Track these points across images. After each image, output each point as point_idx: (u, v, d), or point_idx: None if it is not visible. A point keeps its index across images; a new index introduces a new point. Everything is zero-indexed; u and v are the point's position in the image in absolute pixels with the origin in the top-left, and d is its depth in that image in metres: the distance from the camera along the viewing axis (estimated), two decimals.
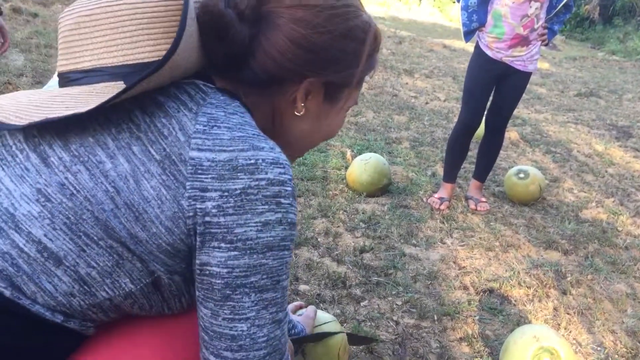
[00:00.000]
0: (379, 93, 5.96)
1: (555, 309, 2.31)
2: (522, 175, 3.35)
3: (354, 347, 1.89)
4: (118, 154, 0.76)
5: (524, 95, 6.90)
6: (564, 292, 2.44)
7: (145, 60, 0.79)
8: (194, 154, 0.76)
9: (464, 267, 2.55)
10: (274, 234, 0.78)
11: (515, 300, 2.34)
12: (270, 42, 0.85)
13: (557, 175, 4.05)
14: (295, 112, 0.92)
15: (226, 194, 0.76)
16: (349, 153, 3.65)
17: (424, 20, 18.17)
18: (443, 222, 2.98)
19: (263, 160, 0.78)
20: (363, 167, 3.16)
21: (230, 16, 0.83)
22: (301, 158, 3.60)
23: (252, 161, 0.78)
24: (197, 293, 0.81)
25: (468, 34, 3.13)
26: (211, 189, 0.76)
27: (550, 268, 2.61)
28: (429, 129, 4.80)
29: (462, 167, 3.71)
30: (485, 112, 3.21)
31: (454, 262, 2.57)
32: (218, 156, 0.77)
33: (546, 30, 3.01)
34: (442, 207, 3.15)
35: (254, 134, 0.81)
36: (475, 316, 2.19)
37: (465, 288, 2.38)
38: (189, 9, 0.79)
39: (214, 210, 0.76)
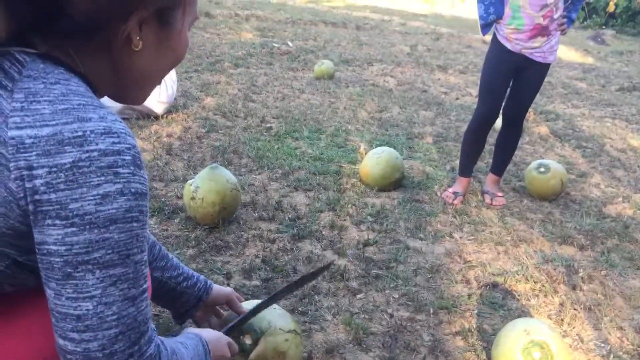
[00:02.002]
0: (408, 89, 5.90)
1: (561, 304, 2.23)
2: (542, 169, 3.26)
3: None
4: None
5: (561, 89, 6.75)
6: (574, 288, 2.36)
7: None
8: (13, 132, 0.72)
9: (469, 261, 2.49)
10: (117, 205, 0.75)
11: (519, 295, 2.27)
12: None
13: (585, 170, 3.92)
14: (133, 48, 0.85)
15: (55, 169, 0.72)
16: (362, 147, 3.62)
17: (467, 17, 17.87)
18: (455, 217, 2.92)
19: (91, 131, 0.74)
20: (375, 160, 3.13)
21: None
22: (317, 152, 3.59)
23: (79, 133, 0.73)
24: (41, 273, 0.77)
25: (485, 27, 3.07)
26: (37, 166, 0.72)
27: (561, 263, 2.53)
28: (454, 124, 4.72)
29: (483, 160, 3.64)
30: (503, 105, 3.14)
31: (460, 256, 2.52)
32: (40, 132, 0.72)
33: (565, 20, 2.92)
34: (456, 201, 3.09)
35: (80, 104, 0.76)
36: (474, 310, 2.14)
37: (468, 282, 2.33)
38: None
39: (42, 188, 0.72)
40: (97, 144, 0.73)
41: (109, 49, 0.84)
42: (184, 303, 1.45)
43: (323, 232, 2.59)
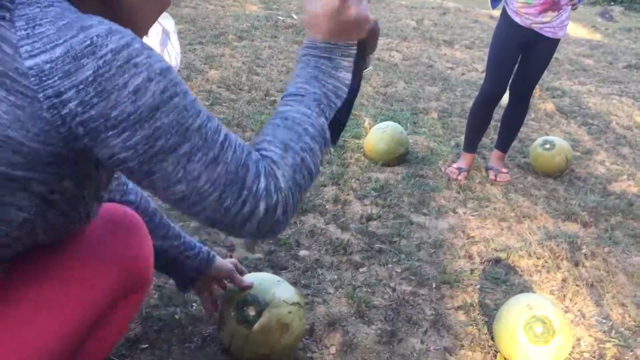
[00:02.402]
0: (414, 64, 5.85)
1: (563, 280, 2.24)
2: (547, 145, 3.24)
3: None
4: None
5: (568, 66, 6.68)
6: (576, 264, 2.36)
7: None
8: (29, 62, 0.72)
9: (472, 236, 2.49)
10: (150, 94, 0.75)
11: (522, 271, 2.28)
12: None
13: (591, 147, 3.89)
14: None
15: (81, 86, 0.73)
16: (366, 121, 3.60)
17: None
18: (459, 192, 2.91)
19: (97, 35, 0.74)
20: (380, 135, 3.11)
21: None
22: None
23: (88, 42, 0.73)
24: (133, 185, 0.87)
25: (495, 0, 3.03)
26: (65, 90, 0.72)
27: (565, 239, 2.52)
28: (460, 100, 4.68)
29: (487, 137, 3.63)
30: (510, 80, 3.11)
31: (463, 232, 2.52)
32: (54, 54, 0.72)
33: None
34: (460, 177, 3.08)
35: (77, 16, 0.76)
36: (476, 285, 2.14)
37: (471, 257, 2.33)
38: None
39: (79, 109, 0.73)
40: (107, 46, 0.74)
41: None
42: (186, 271, 1.45)
43: (326, 206, 2.59)
